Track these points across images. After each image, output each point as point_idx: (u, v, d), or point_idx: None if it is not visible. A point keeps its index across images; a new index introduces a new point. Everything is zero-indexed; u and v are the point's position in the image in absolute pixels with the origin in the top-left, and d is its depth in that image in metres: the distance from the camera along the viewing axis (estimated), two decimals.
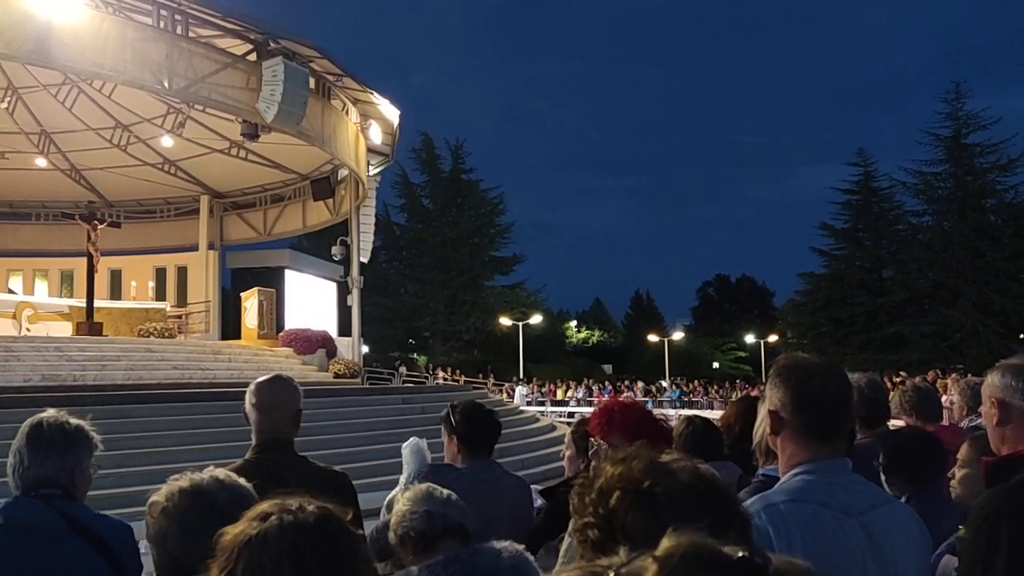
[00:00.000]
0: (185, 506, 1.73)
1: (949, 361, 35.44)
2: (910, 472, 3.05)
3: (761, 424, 2.85)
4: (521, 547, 2.07)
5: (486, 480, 2.97)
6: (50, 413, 2.36)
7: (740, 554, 0.70)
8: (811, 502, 1.75)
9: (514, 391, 30.32)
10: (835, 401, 1.86)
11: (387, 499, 3.26)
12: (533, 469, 13.02)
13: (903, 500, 2.94)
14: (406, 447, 3.26)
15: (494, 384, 33.88)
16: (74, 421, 2.37)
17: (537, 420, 18.26)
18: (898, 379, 22.38)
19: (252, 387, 2.70)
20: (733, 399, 29.72)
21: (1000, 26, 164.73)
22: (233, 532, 1.29)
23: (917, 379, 4.95)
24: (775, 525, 1.70)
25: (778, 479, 2.08)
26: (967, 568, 1.90)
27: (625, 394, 32.05)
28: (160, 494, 1.77)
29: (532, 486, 8.24)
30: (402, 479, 3.38)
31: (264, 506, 1.32)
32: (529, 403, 29.34)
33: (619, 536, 1.00)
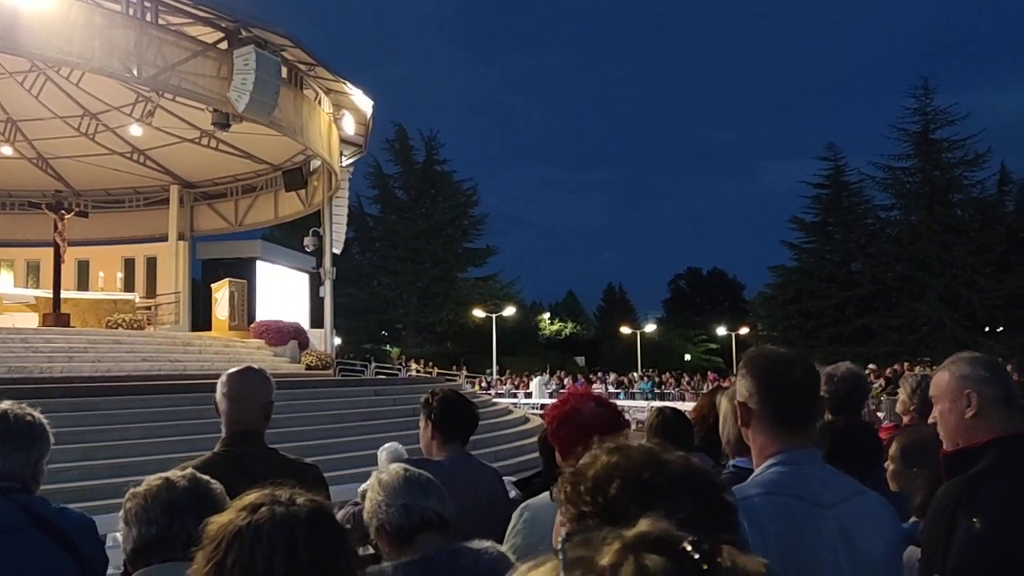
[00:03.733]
0: (166, 488, 1.74)
1: (916, 353, 35.98)
2: (849, 462, 3.11)
3: (726, 421, 2.88)
4: (502, 548, 2.05)
5: (463, 472, 2.96)
6: (10, 404, 2.31)
7: (690, 539, 0.72)
8: (784, 495, 1.76)
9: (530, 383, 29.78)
10: (800, 389, 1.87)
11: (360, 488, 3.24)
12: (506, 461, 13.03)
13: None
14: (383, 451, 3.23)
15: (467, 376, 33.85)
16: (35, 413, 2.33)
17: (510, 412, 18.28)
18: (868, 371, 22.69)
19: (224, 378, 2.67)
20: (704, 391, 29.93)
21: (969, 22, 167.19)
22: (221, 522, 1.26)
23: (929, 370, 4.94)
24: (749, 518, 1.71)
25: (749, 470, 2.09)
26: (928, 557, 1.93)
27: (595, 384, 32.16)
28: (139, 486, 1.77)
29: (506, 478, 8.26)
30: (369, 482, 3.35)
31: (253, 497, 1.29)
32: (551, 394, 29.02)
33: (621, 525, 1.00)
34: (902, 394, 4.32)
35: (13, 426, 2.25)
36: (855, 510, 1.81)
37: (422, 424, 3.17)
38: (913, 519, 2.59)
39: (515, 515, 2.44)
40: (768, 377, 1.87)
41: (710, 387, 30.66)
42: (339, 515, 2.86)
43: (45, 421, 2.36)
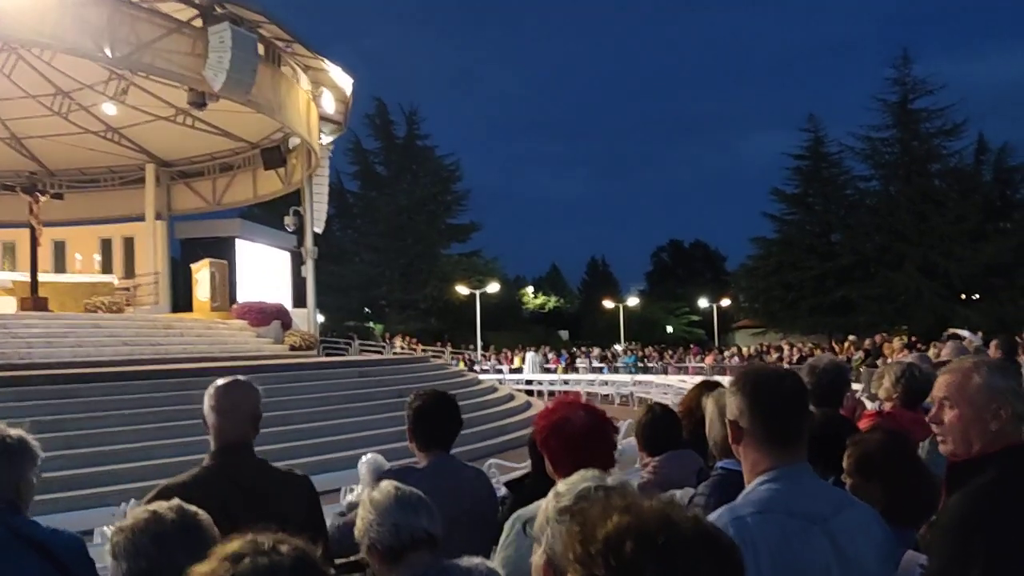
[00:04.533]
0: (154, 520, 1.73)
1: (894, 323, 36.36)
2: (828, 458, 3.11)
3: (712, 423, 2.88)
4: (491, 564, 2.06)
5: (446, 479, 2.97)
6: None
7: None
8: (777, 512, 1.78)
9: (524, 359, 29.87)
10: (790, 405, 1.88)
11: (346, 500, 3.23)
12: (492, 440, 13.08)
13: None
14: (363, 463, 3.22)
15: (452, 352, 33.85)
16: (14, 433, 2.32)
17: (495, 390, 18.30)
18: (848, 343, 22.92)
19: (210, 390, 2.67)
20: (687, 363, 30.02)
21: None
22: (202, 572, 1.24)
23: (914, 356, 4.95)
24: (743, 539, 1.71)
25: (736, 472, 2.09)
26: (942, 570, 1.87)
27: (579, 359, 32.27)
28: (126, 519, 1.75)
29: (494, 460, 8.18)
30: (356, 493, 3.34)
31: (235, 545, 1.27)
32: (547, 370, 29.33)
33: None
34: (885, 382, 4.35)
35: None
36: (846, 523, 1.83)
37: (407, 428, 3.17)
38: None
39: (507, 525, 2.44)
40: (757, 395, 1.88)
41: (693, 360, 30.92)
42: (328, 526, 2.85)
43: (28, 437, 2.34)
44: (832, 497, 1.91)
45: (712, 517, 1.80)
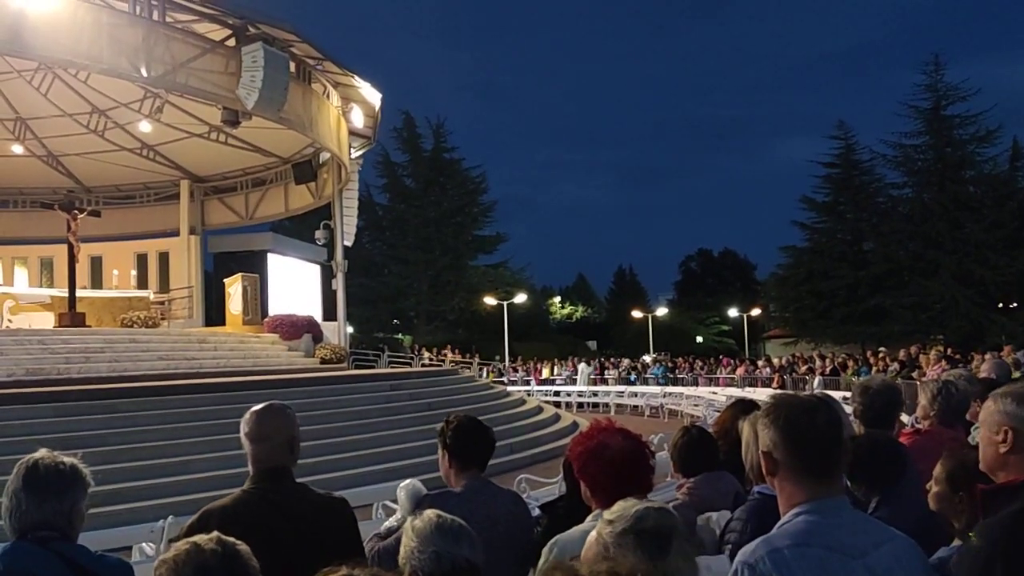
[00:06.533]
0: (196, 552, 1.77)
1: (929, 332, 35.79)
2: (872, 477, 3.09)
3: (748, 447, 2.88)
4: None
5: (482, 503, 3.00)
6: (43, 453, 2.35)
7: None
8: (815, 546, 1.76)
9: (576, 370, 29.97)
10: (826, 438, 1.87)
11: (384, 526, 3.27)
12: (521, 453, 13.09)
13: (872, 504, 2.99)
14: (402, 489, 3.25)
15: (480, 363, 33.90)
16: (68, 460, 2.36)
17: (524, 402, 18.29)
18: (881, 355, 22.60)
19: (246, 416, 2.70)
20: (718, 375, 29.71)
21: None
22: None
23: (957, 371, 4.88)
24: (779, 571, 1.71)
25: (773, 497, 2.09)
26: None
27: (608, 370, 32.15)
28: (168, 552, 1.79)
29: (524, 476, 8.18)
30: (395, 518, 3.37)
31: None
32: (596, 381, 29.34)
33: None
34: (922, 399, 4.30)
35: (43, 476, 2.28)
36: (886, 558, 1.82)
37: (439, 452, 3.20)
38: (956, 542, 2.58)
39: (545, 550, 2.46)
40: (791, 428, 1.87)
41: (724, 372, 30.67)
42: (367, 550, 2.89)
43: (81, 465, 2.39)
44: (871, 531, 1.88)
45: (748, 549, 1.81)
